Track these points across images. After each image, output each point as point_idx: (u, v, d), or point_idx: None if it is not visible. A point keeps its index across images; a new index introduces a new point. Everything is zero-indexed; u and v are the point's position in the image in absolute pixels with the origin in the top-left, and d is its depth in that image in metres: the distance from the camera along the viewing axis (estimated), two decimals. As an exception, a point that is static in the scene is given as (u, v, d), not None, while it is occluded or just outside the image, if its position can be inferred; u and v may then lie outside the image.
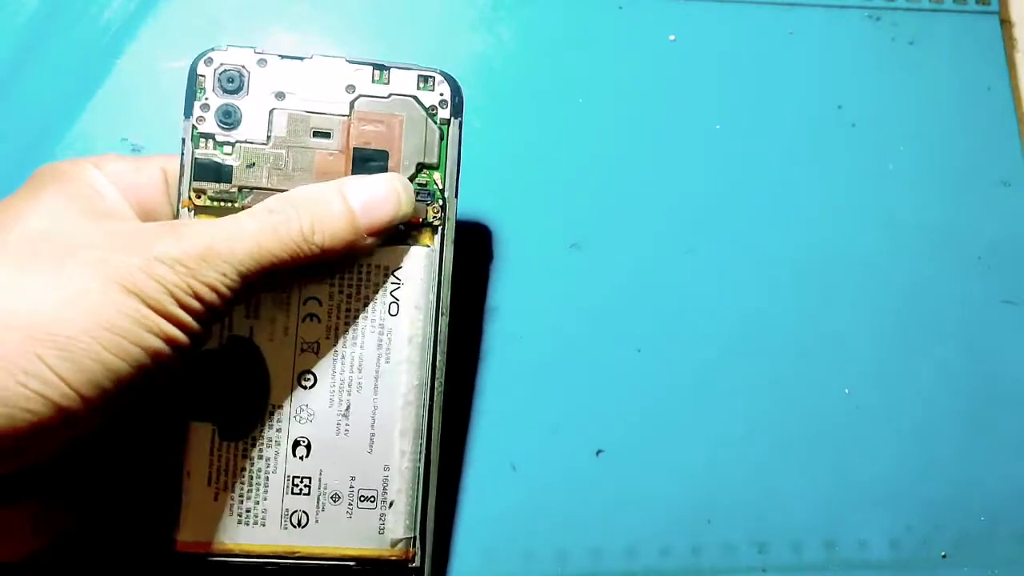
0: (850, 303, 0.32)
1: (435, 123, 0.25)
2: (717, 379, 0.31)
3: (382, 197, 0.24)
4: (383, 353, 0.25)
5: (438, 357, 0.25)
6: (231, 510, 0.24)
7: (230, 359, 0.24)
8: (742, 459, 0.30)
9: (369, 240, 0.23)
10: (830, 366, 0.31)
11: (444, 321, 0.25)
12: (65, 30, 0.31)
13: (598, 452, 0.30)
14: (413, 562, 0.25)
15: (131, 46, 0.31)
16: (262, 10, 0.32)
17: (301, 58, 0.25)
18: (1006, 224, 0.33)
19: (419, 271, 0.25)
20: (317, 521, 0.24)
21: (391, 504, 0.25)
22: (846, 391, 0.31)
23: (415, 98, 0.25)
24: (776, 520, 0.30)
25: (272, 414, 0.24)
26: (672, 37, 0.34)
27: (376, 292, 0.25)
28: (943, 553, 0.30)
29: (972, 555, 0.30)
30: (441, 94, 0.25)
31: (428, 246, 0.25)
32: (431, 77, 0.25)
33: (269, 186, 0.25)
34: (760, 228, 0.32)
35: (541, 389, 0.30)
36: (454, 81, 0.25)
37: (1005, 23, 0.35)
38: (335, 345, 0.24)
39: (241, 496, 0.24)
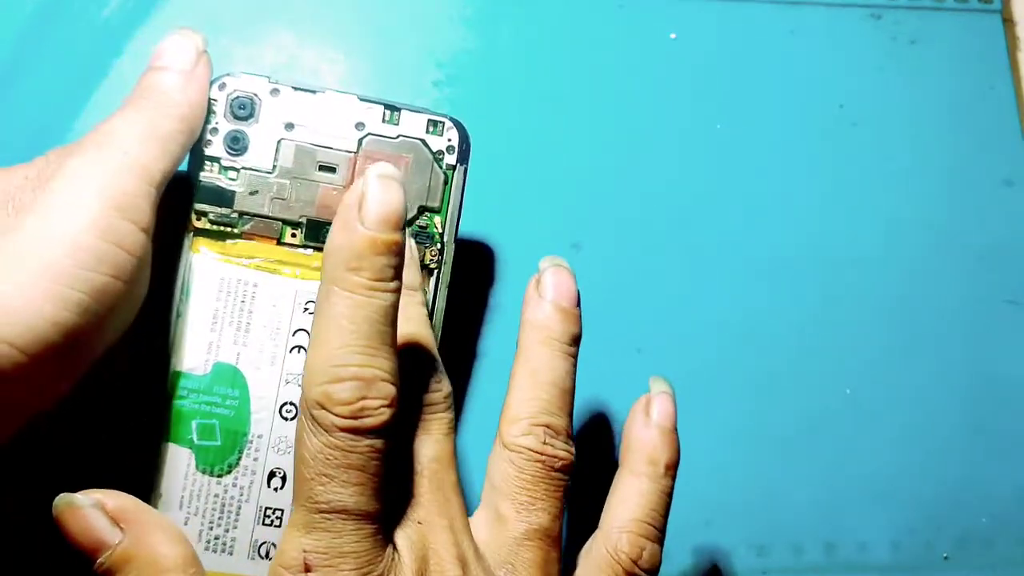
0: (851, 303, 0.32)
1: (440, 168, 0.25)
2: (717, 379, 0.31)
3: None
4: None
5: None
6: (200, 536, 0.24)
7: (213, 384, 0.24)
8: (742, 460, 0.30)
9: None
10: (830, 366, 0.31)
11: None
12: (65, 30, 0.31)
13: (597, 452, 0.30)
14: None
15: (131, 46, 0.31)
16: (261, 11, 0.32)
17: (314, 91, 0.25)
18: (1008, 224, 0.33)
19: None
20: None
21: None
22: (847, 391, 0.31)
23: (423, 141, 0.25)
24: (776, 522, 0.30)
25: (251, 443, 0.24)
26: (673, 35, 0.33)
27: None
28: (944, 555, 0.30)
29: (973, 556, 0.30)
30: (449, 140, 0.25)
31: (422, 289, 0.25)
32: (441, 122, 0.25)
33: (270, 214, 0.25)
34: (760, 228, 0.32)
35: (540, 389, 0.30)
36: (463, 128, 0.26)
37: (1007, 22, 0.35)
38: None
39: (211, 523, 0.24)
